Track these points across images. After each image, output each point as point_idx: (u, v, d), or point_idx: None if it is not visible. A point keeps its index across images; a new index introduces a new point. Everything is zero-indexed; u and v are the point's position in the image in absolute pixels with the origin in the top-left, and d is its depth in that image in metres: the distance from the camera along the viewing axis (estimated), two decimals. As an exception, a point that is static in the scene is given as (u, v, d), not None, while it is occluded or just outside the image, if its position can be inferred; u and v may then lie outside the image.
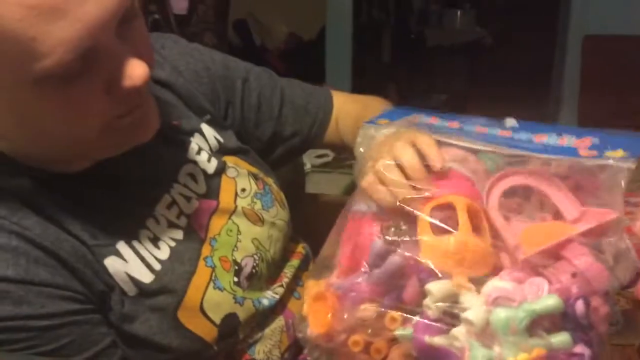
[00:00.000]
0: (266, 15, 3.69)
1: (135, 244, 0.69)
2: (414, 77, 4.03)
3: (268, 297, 0.78)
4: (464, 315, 0.52)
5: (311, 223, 0.93)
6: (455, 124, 0.71)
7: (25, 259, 0.61)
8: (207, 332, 0.71)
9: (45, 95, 0.56)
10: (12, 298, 0.59)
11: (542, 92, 3.33)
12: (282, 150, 0.92)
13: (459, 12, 4.14)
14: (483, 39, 4.15)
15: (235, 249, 0.76)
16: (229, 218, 0.77)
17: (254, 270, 0.76)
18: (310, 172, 2.20)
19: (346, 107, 0.94)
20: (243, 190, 0.80)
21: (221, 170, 0.80)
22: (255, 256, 0.77)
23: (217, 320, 0.71)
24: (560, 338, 0.50)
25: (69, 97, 0.56)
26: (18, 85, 0.55)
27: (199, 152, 0.79)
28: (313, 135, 0.93)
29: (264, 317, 0.78)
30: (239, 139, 0.86)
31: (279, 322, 0.80)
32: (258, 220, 0.80)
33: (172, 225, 0.72)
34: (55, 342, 0.62)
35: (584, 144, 0.63)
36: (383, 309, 0.57)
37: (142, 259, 0.68)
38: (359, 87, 3.19)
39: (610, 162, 0.58)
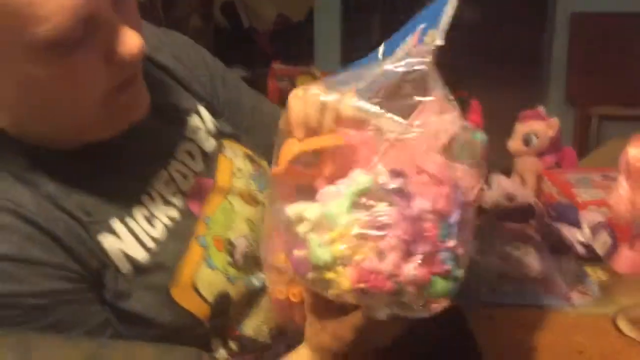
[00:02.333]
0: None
1: (130, 221, 0.69)
2: (403, 57, 4.00)
3: (259, 278, 0.80)
4: (303, 214, 0.57)
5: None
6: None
7: (19, 236, 0.61)
8: (199, 309, 0.72)
9: (48, 64, 0.57)
10: (3, 275, 0.60)
11: (530, 70, 3.34)
12: None
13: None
14: (471, 18, 4.13)
15: (229, 228, 0.77)
16: (225, 197, 0.78)
17: (247, 250, 0.78)
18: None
19: None
20: (239, 170, 0.81)
21: (218, 149, 0.81)
22: (248, 236, 0.78)
23: (210, 298, 0.72)
24: (377, 208, 0.54)
25: (71, 66, 0.58)
26: (21, 54, 0.56)
27: (196, 131, 0.80)
28: None
29: (254, 296, 0.79)
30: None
31: (268, 300, 0.81)
32: (252, 201, 0.81)
33: (167, 202, 0.73)
34: (47, 319, 0.63)
35: (417, 37, 0.66)
36: None
37: (136, 237, 0.69)
38: (348, 68, 3.18)
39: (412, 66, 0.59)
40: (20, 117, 0.65)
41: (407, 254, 0.53)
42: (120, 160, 0.72)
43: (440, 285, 0.54)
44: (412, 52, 0.61)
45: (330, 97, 0.61)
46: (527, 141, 1.14)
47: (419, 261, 0.52)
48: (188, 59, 0.84)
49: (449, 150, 0.58)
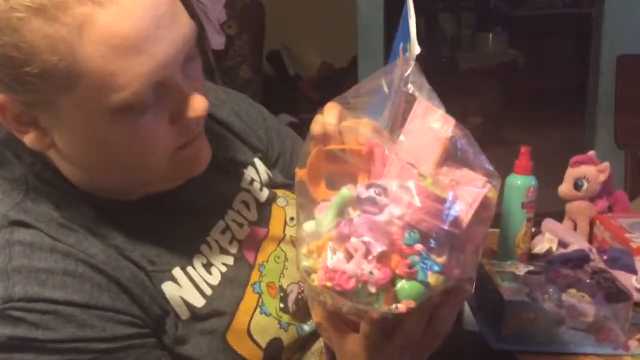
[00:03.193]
0: (299, 46, 3.76)
1: (189, 269, 0.72)
2: (447, 101, 4.00)
3: (309, 324, 0.81)
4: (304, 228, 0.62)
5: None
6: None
7: (90, 285, 0.65)
8: (253, 354, 0.74)
9: (121, 126, 0.62)
10: (76, 321, 0.63)
11: (577, 112, 3.30)
12: None
13: (490, 35, 4.14)
14: (516, 61, 4.13)
15: (282, 275, 0.79)
16: (278, 245, 0.81)
17: (299, 297, 0.79)
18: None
19: None
20: (292, 219, 0.84)
21: (272, 199, 0.84)
22: (300, 283, 0.80)
23: (263, 344, 0.74)
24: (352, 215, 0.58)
25: (140, 127, 0.62)
26: (97, 116, 0.61)
27: (251, 182, 0.83)
28: None
29: (305, 342, 0.80)
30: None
31: (319, 344, 0.82)
32: None
33: (223, 251, 0.76)
34: None
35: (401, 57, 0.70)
36: None
37: (195, 284, 0.72)
38: (392, 112, 3.19)
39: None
40: (92, 172, 0.69)
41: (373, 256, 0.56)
42: (181, 211, 0.75)
43: (405, 287, 0.56)
44: (402, 69, 0.66)
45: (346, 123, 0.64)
46: (578, 186, 1.13)
47: (376, 261, 0.55)
48: (247, 114, 0.88)
49: (446, 153, 0.61)
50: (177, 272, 0.71)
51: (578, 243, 1.07)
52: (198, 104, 0.65)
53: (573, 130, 3.17)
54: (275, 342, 0.76)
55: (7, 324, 0.62)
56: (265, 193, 0.84)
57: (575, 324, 0.88)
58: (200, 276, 0.73)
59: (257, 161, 0.86)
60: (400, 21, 0.77)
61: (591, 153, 1.15)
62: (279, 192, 0.86)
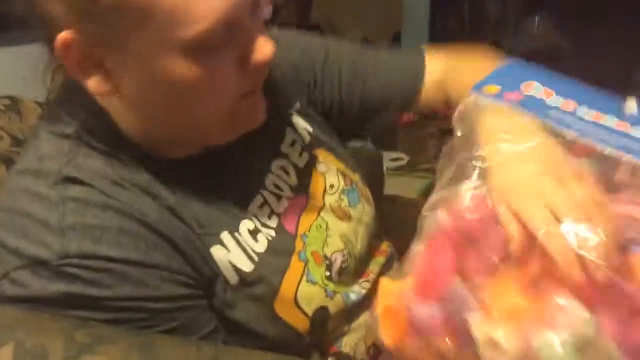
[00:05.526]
0: (342, 20, 3.72)
1: (237, 234, 0.72)
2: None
3: (355, 291, 0.80)
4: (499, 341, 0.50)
5: (389, 224, 0.94)
6: (570, 105, 0.65)
7: (145, 243, 0.65)
8: (300, 323, 0.73)
9: (191, 64, 0.60)
10: (132, 280, 0.64)
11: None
12: (370, 123, 0.94)
13: (537, 18, 4.04)
14: (561, 46, 4.04)
15: (325, 244, 0.78)
16: (318, 214, 0.79)
17: (343, 266, 0.78)
18: (385, 175, 2.20)
19: (454, 65, 0.91)
20: (331, 186, 0.83)
21: (312, 165, 0.81)
22: (344, 252, 0.79)
23: (310, 313, 0.74)
24: None
25: (209, 68, 0.61)
26: (168, 53, 0.60)
27: (293, 144, 0.81)
28: (402, 104, 0.93)
29: (351, 311, 0.80)
30: (325, 122, 0.88)
31: (365, 316, 0.81)
32: (345, 216, 0.82)
33: (267, 218, 0.76)
34: (168, 324, 0.66)
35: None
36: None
37: (243, 249, 0.72)
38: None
39: None
40: (152, 120, 0.68)
41: None
42: (226, 173, 0.75)
43: None
44: None
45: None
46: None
47: None
48: (293, 59, 0.87)
49: None
50: (225, 235, 0.71)
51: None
52: (265, 47, 0.64)
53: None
54: (321, 311, 0.75)
55: (62, 280, 0.62)
56: (304, 158, 0.82)
57: None
58: (247, 242, 0.72)
59: (295, 119, 0.84)
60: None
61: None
62: (320, 154, 0.84)
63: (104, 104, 0.68)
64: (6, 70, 1.28)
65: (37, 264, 0.62)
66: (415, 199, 1.84)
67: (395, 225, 0.91)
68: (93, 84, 0.63)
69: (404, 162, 2.42)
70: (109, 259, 0.62)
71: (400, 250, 0.91)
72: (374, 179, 1.23)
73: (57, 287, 0.62)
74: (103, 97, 0.66)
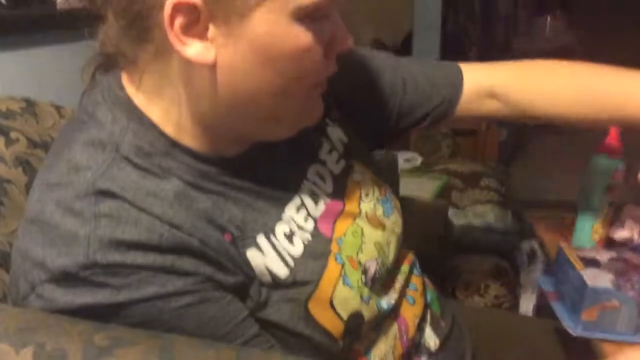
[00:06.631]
0: (354, 19, 3.71)
1: (273, 238, 0.71)
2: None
3: (386, 301, 0.79)
4: None
5: (404, 225, 0.93)
6: None
7: (172, 254, 0.63)
8: (334, 326, 0.73)
9: (304, 31, 0.62)
10: (157, 282, 0.62)
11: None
12: (407, 131, 0.95)
13: (548, 18, 4.03)
14: (573, 46, 4.02)
15: (360, 250, 0.77)
16: (354, 220, 0.79)
17: (376, 274, 0.77)
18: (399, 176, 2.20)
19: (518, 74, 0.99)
20: (367, 194, 0.82)
21: (348, 172, 0.82)
22: (377, 260, 0.78)
23: (345, 316, 0.73)
24: None
25: (307, 40, 0.63)
26: (280, 21, 0.61)
27: (330, 152, 0.81)
28: (440, 114, 0.94)
29: (382, 320, 0.79)
30: (361, 129, 0.88)
31: (394, 328, 0.81)
32: (379, 225, 0.81)
33: (303, 222, 0.75)
34: (198, 318, 0.65)
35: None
36: None
37: (279, 253, 0.71)
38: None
39: None
40: (229, 100, 0.66)
41: None
42: (265, 176, 0.73)
43: None
44: None
45: None
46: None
47: None
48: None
49: None
50: (261, 239, 0.70)
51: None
52: (346, 37, 0.66)
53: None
54: (356, 315, 0.74)
55: (88, 291, 0.61)
56: (341, 165, 0.82)
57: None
58: (283, 246, 0.71)
59: (330, 129, 0.84)
60: None
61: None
62: (356, 164, 0.84)
63: (177, 89, 0.66)
64: (23, 72, 1.28)
65: (62, 277, 0.61)
66: (431, 200, 1.83)
67: (410, 226, 0.91)
68: (193, 52, 0.61)
69: (417, 163, 2.41)
70: (137, 267, 0.61)
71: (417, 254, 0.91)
72: (388, 180, 1.23)
73: (84, 299, 0.61)
74: (193, 72, 0.64)
